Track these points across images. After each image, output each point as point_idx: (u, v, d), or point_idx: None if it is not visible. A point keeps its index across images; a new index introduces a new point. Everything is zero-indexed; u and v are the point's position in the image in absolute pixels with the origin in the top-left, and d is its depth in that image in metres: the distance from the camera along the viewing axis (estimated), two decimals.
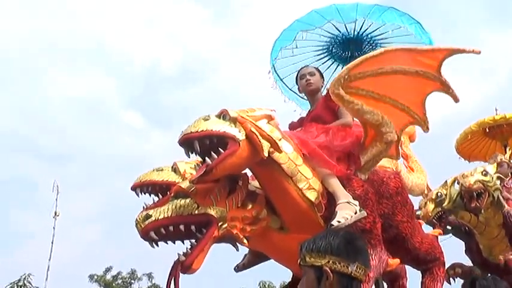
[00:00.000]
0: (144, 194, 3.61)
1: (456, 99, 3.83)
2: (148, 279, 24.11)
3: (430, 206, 5.47)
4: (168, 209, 3.23)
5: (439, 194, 5.50)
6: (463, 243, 6.10)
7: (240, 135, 3.22)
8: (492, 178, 5.32)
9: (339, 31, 5.37)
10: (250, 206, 3.45)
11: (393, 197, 4.01)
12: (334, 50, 6.57)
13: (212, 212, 3.25)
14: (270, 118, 3.44)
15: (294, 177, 3.41)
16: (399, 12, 5.30)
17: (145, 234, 3.18)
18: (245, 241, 3.37)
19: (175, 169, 3.60)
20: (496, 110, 7.06)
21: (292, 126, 4.29)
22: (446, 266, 5.61)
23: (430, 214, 5.45)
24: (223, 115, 3.29)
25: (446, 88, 3.76)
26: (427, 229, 5.45)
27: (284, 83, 6.21)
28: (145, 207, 3.31)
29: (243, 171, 3.52)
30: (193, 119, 3.30)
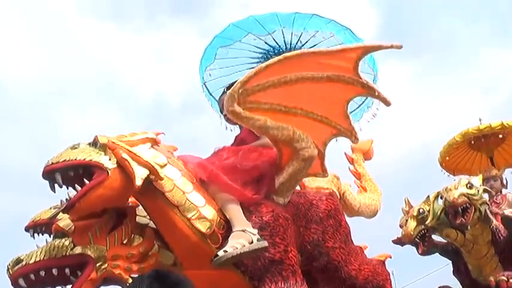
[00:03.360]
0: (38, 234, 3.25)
1: (387, 103, 3.31)
2: None
3: (412, 224, 4.82)
4: (41, 251, 2.84)
5: (421, 210, 4.85)
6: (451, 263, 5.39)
7: (110, 164, 2.80)
8: (478, 191, 4.71)
9: (270, 45, 4.95)
10: (137, 242, 3.00)
11: (324, 220, 3.51)
12: None
13: (89, 251, 2.83)
14: (154, 142, 3.02)
15: (180, 206, 2.92)
16: (324, 19, 4.82)
17: (14, 283, 2.79)
18: (130, 281, 2.88)
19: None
20: (480, 120, 6.43)
21: None
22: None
23: (412, 233, 4.79)
24: (94, 142, 2.87)
25: (370, 91, 3.26)
26: (408, 250, 4.98)
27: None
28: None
29: (129, 203, 3.07)
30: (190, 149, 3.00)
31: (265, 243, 2.97)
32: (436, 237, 5.20)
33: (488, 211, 4.80)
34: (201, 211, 2.97)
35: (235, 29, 4.74)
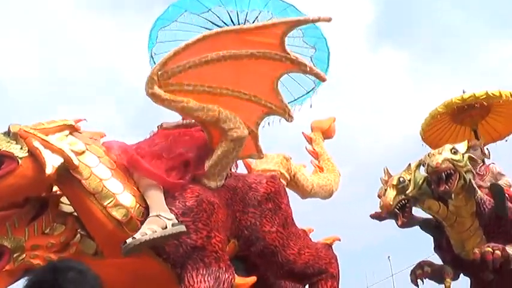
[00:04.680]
0: None
1: (321, 78, 3.24)
2: None
3: (391, 194, 4.44)
4: None
5: (401, 179, 4.47)
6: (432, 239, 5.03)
7: (21, 152, 2.72)
8: (463, 157, 4.37)
9: (215, 24, 4.75)
10: (59, 231, 2.92)
11: (262, 204, 3.41)
12: None
13: (5, 242, 2.77)
14: (72, 129, 2.93)
15: (97, 194, 2.84)
16: None
17: None
18: None
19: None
20: (463, 91, 6.11)
21: None
22: None
23: (390, 203, 4.39)
24: (8, 131, 2.80)
25: (301, 67, 3.12)
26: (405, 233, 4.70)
27: None
28: None
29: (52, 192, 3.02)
30: None
31: (181, 228, 2.87)
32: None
33: (473, 180, 4.49)
34: (118, 198, 2.88)
35: (174, 8, 4.58)
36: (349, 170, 4.88)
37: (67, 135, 2.90)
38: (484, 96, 5.83)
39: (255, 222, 3.35)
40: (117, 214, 2.86)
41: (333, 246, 3.95)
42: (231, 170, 3.54)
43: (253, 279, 3.29)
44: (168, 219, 2.87)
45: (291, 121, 3.40)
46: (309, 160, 4.95)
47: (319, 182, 4.62)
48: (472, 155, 4.62)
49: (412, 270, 4.77)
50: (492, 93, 5.80)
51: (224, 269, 3.01)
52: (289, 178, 4.26)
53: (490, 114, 6.22)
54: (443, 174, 4.19)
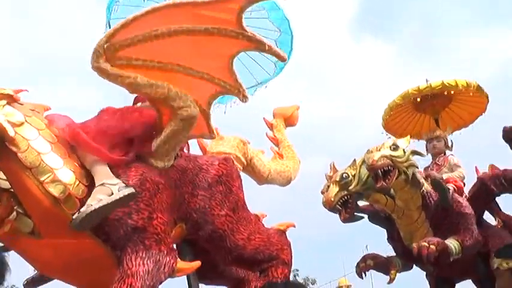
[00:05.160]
0: None
1: (281, 58, 3.07)
2: None
3: (333, 190, 4.41)
4: None
5: (344, 175, 4.45)
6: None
7: None
8: (404, 152, 4.36)
9: None
10: None
11: (212, 186, 3.30)
12: None
13: None
14: (11, 99, 2.76)
15: (33, 168, 2.67)
16: None
17: None
18: None
19: None
20: (427, 81, 6.12)
21: None
22: None
23: (332, 199, 4.37)
24: None
25: (259, 45, 2.94)
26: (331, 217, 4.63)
27: None
28: None
29: None
30: None
31: (129, 190, 2.75)
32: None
33: (417, 174, 4.49)
34: (56, 174, 2.73)
35: None
36: (324, 161, 4.74)
37: (4, 106, 2.73)
38: (440, 87, 5.88)
39: (204, 205, 3.24)
40: (54, 190, 2.70)
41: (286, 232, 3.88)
42: (182, 150, 3.43)
43: (197, 263, 3.19)
44: (113, 184, 2.75)
45: (246, 101, 3.24)
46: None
47: (276, 168, 4.51)
48: (416, 150, 4.65)
49: (356, 263, 4.82)
50: (448, 83, 5.87)
51: (165, 252, 2.89)
52: (245, 162, 4.15)
53: (453, 103, 6.28)
54: (379, 171, 4.20)
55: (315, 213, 4.64)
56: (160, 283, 2.91)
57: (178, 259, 3.02)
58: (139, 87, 2.90)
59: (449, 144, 5.59)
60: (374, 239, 5.03)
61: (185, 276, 3.38)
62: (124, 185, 2.78)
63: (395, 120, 6.31)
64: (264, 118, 4.93)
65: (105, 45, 2.75)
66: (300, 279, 27.67)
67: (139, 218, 2.83)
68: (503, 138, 4.55)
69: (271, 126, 4.88)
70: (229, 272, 3.60)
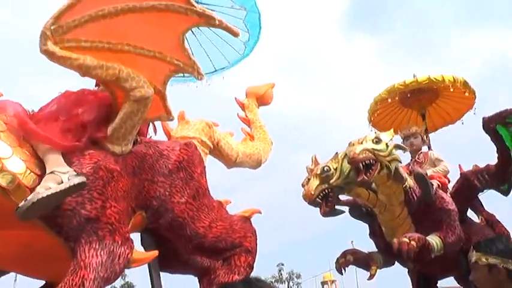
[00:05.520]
0: None
1: (233, 33, 2.99)
2: (121, 278, 23.75)
3: (314, 183, 4.27)
4: None
5: (325, 168, 4.30)
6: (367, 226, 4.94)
7: None
8: (387, 146, 4.24)
9: None
10: None
11: (173, 173, 3.18)
12: None
13: None
14: None
15: None
16: None
17: None
18: None
19: None
20: (414, 76, 6.03)
21: None
22: None
23: (312, 193, 4.23)
24: None
25: (209, 20, 2.87)
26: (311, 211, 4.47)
27: None
28: None
29: None
30: None
31: (79, 179, 2.62)
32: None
33: (400, 169, 4.38)
34: (5, 163, 2.58)
35: None
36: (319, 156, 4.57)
37: None
38: (427, 82, 5.79)
39: (164, 193, 3.12)
40: (2, 181, 2.55)
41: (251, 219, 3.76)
42: (145, 135, 3.34)
43: (153, 253, 3.07)
44: (63, 173, 2.62)
45: (201, 79, 3.18)
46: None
47: (245, 150, 4.33)
48: (399, 144, 4.55)
49: (336, 259, 4.70)
50: (434, 78, 5.77)
51: (119, 242, 2.76)
52: (211, 146, 3.99)
53: (440, 98, 6.20)
54: (361, 164, 4.07)
55: (302, 208, 4.49)
56: (116, 274, 2.79)
57: (136, 249, 2.91)
58: (90, 69, 2.78)
59: (426, 140, 5.55)
60: (360, 235, 4.92)
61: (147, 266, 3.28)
62: (75, 173, 2.66)
63: (382, 115, 6.23)
64: (235, 98, 4.77)
65: (52, 27, 2.65)
66: (284, 274, 27.92)
67: (92, 208, 2.71)
68: (483, 129, 4.46)
69: (242, 106, 4.72)
70: (194, 260, 3.43)
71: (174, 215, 3.15)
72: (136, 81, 2.87)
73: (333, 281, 23.35)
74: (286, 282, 27.61)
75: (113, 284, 3.20)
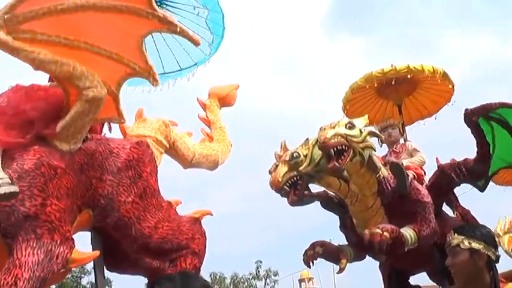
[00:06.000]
0: None
1: (194, 42, 2.95)
2: None
3: (282, 170, 4.00)
4: None
5: (294, 154, 4.03)
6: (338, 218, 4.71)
7: None
8: (361, 132, 4.00)
9: None
10: None
11: (122, 171, 3.14)
12: None
13: None
14: None
15: None
16: None
17: None
18: None
19: None
20: (392, 65, 5.80)
21: None
22: None
23: (279, 180, 3.96)
24: None
25: (170, 27, 2.83)
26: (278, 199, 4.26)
27: None
28: None
29: None
30: None
31: (12, 188, 2.56)
32: None
33: (374, 157, 4.19)
34: None
35: None
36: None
37: None
38: (406, 70, 5.56)
39: (112, 191, 3.09)
40: None
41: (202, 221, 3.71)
42: (97, 132, 3.31)
43: (95, 253, 3.05)
44: None
45: (156, 85, 3.13)
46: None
47: (202, 151, 4.28)
48: (374, 131, 4.33)
49: (305, 251, 4.45)
50: (414, 67, 5.55)
51: (58, 241, 2.71)
52: (167, 145, 3.94)
53: (418, 90, 6.01)
54: (332, 150, 3.82)
55: (280, 205, 4.27)
56: (53, 274, 2.75)
57: (76, 249, 2.87)
58: (43, 64, 2.73)
59: (402, 132, 5.39)
60: (339, 233, 4.68)
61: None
62: (9, 181, 2.59)
63: (357, 105, 6.01)
64: (197, 98, 4.70)
65: (6, 16, 2.57)
66: (262, 271, 27.75)
67: (31, 205, 2.66)
68: (465, 121, 4.31)
69: (204, 107, 4.65)
70: (143, 261, 3.40)
71: (120, 214, 3.11)
72: (90, 80, 2.82)
73: (310, 279, 23.34)
74: (264, 279, 27.43)
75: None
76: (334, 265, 4.63)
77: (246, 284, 27.11)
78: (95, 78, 2.84)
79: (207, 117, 4.59)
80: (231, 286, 26.53)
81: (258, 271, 27.67)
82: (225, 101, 4.70)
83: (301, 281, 23.38)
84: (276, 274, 27.33)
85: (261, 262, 27.67)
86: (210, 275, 25.28)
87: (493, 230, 3.05)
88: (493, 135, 4.41)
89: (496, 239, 2.95)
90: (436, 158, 4.91)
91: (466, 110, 4.28)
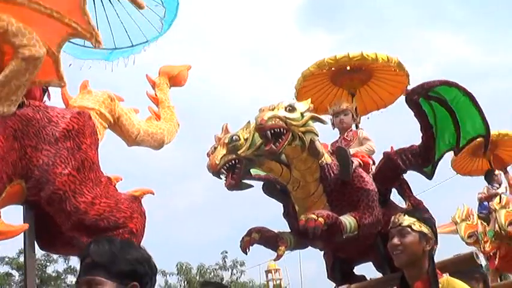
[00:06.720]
0: None
1: (138, 4, 2.92)
2: (65, 261, 23.01)
3: (220, 152, 3.85)
4: None
5: (234, 137, 3.87)
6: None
7: None
8: (302, 116, 3.83)
9: None
10: None
11: (60, 141, 2.96)
12: None
13: None
14: None
15: None
16: None
17: None
18: None
19: None
20: (347, 53, 5.71)
21: None
22: None
23: (217, 162, 3.81)
24: None
25: None
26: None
27: None
28: None
29: None
30: None
31: None
32: None
33: (317, 142, 4.03)
34: None
35: None
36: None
37: None
38: (359, 58, 5.45)
39: (48, 162, 2.91)
40: None
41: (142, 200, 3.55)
42: (36, 99, 3.13)
43: (23, 226, 2.87)
44: None
45: (98, 46, 2.97)
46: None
47: (148, 129, 4.13)
48: (317, 116, 4.13)
49: (242, 237, 4.25)
50: (367, 55, 5.44)
51: None
52: (111, 120, 3.77)
53: (373, 80, 5.90)
54: (268, 132, 3.67)
55: (246, 195, 4.11)
56: None
57: (2, 220, 2.72)
58: None
59: (357, 118, 5.30)
60: None
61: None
62: None
63: (310, 93, 5.82)
64: (146, 75, 4.55)
65: None
66: (228, 261, 27.63)
67: None
68: (406, 102, 4.19)
69: (153, 85, 4.51)
70: (77, 240, 3.18)
71: (55, 187, 2.93)
72: (28, 38, 2.64)
73: (276, 270, 23.18)
74: (230, 270, 27.32)
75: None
76: (302, 256, 4.51)
77: (212, 274, 26.94)
78: (33, 36, 2.66)
79: (156, 95, 4.46)
80: (198, 276, 26.33)
81: (225, 261, 27.54)
82: (175, 80, 4.59)
83: (267, 272, 23.33)
84: (242, 264, 27.24)
85: (226, 253, 27.55)
86: (177, 265, 25.09)
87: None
88: (434, 116, 4.28)
89: (454, 226, 3.04)
90: (391, 147, 4.81)
91: (407, 90, 4.18)
